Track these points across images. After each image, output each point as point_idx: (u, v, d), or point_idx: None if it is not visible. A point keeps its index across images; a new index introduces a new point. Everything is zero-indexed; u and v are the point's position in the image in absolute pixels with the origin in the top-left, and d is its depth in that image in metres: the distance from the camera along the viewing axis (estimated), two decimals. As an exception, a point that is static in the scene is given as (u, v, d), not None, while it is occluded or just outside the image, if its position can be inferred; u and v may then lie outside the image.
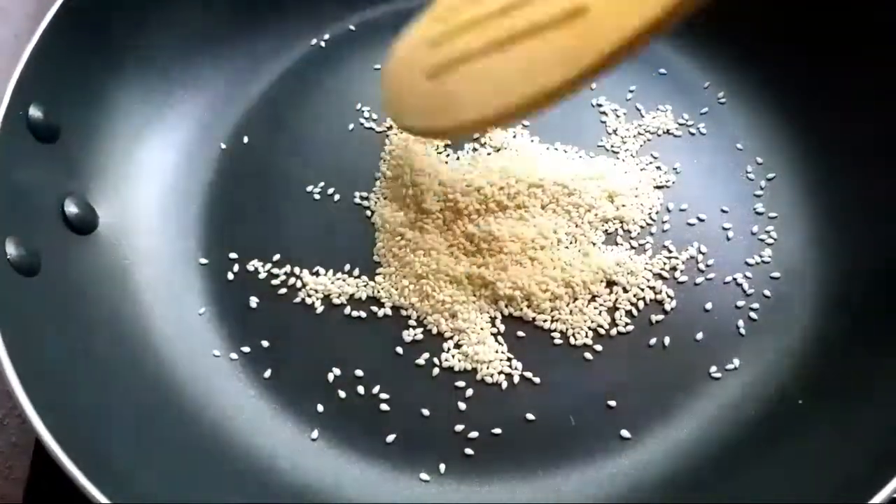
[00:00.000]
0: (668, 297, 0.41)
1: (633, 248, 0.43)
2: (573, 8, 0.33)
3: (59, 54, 0.41)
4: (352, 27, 0.53)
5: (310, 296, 0.42)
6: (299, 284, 0.43)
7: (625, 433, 0.38)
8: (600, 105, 0.49)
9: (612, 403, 0.38)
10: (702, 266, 0.43)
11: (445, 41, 0.39)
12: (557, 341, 0.40)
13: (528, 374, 0.39)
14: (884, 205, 0.41)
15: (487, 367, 0.39)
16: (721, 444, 0.37)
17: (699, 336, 0.40)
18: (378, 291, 0.42)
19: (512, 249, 0.42)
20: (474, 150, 0.47)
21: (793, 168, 0.45)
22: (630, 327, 0.41)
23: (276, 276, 0.43)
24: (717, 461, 0.36)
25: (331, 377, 0.40)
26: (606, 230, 0.44)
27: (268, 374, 0.40)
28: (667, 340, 0.40)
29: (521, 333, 0.41)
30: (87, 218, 0.41)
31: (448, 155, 0.47)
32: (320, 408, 0.39)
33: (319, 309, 0.42)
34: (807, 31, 0.46)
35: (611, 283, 0.42)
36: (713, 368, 0.39)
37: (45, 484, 0.39)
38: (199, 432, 0.37)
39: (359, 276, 0.43)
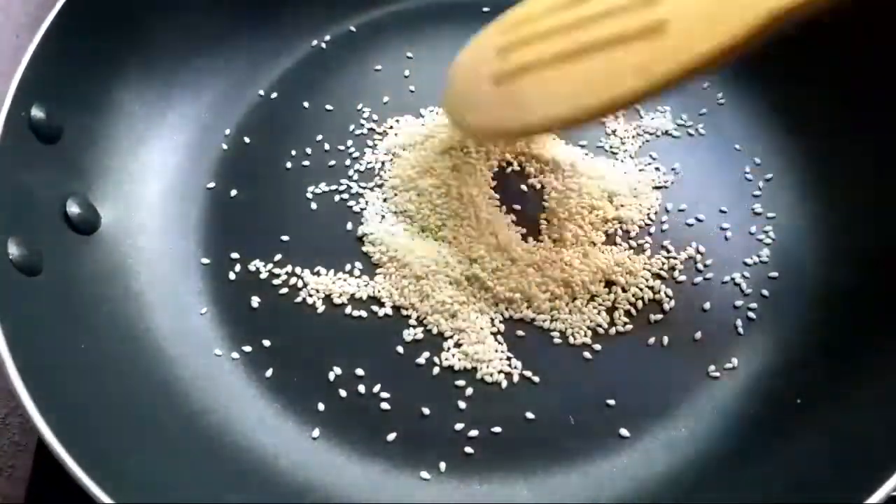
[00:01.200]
0: (667, 296, 0.42)
1: (631, 248, 0.43)
2: (653, 23, 0.34)
3: (61, 55, 0.41)
4: (352, 28, 0.53)
5: (311, 295, 0.42)
6: (300, 284, 0.43)
7: (624, 432, 0.38)
8: (600, 106, 0.49)
9: (612, 402, 0.39)
10: (700, 266, 0.43)
11: (515, 50, 0.39)
12: (557, 341, 0.40)
13: (528, 374, 0.40)
14: (881, 205, 0.42)
15: (487, 367, 0.40)
16: (720, 444, 0.37)
17: (698, 335, 0.40)
18: (378, 291, 0.42)
19: (511, 250, 0.42)
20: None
21: (790, 169, 0.45)
22: (629, 327, 0.41)
23: (278, 275, 0.43)
24: (717, 461, 0.37)
25: (331, 376, 0.40)
26: (606, 230, 0.44)
27: (269, 373, 0.40)
28: (665, 340, 0.40)
29: (520, 333, 0.41)
30: (88, 218, 0.41)
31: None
32: (321, 407, 0.39)
33: (320, 308, 0.42)
34: (805, 32, 0.47)
35: (610, 283, 0.42)
36: (712, 368, 0.39)
37: (48, 483, 0.39)
38: (200, 431, 0.37)
39: (359, 276, 0.43)
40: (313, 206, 0.46)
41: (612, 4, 0.37)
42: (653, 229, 0.44)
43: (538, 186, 0.46)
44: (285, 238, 0.44)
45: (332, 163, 0.47)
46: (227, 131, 0.49)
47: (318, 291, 0.42)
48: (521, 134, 0.44)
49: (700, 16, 0.33)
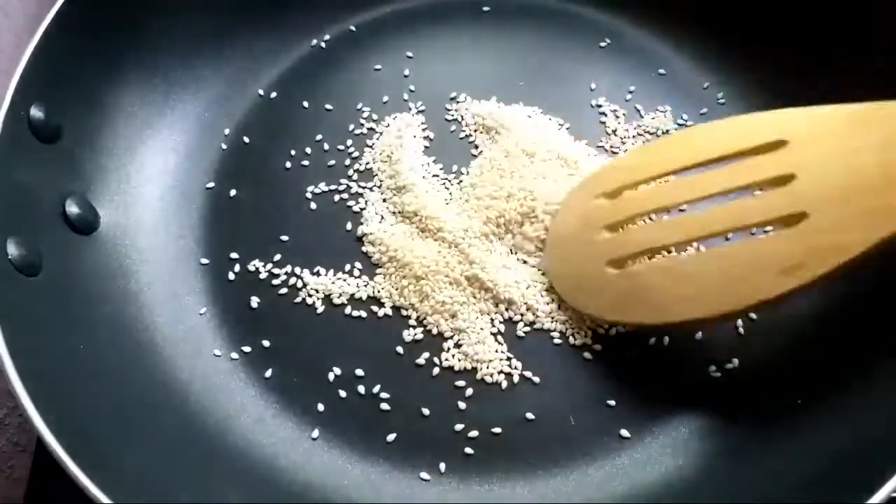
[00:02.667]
0: (668, 297, 0.41)
1: (632, 248, 0.43)
2: (791, 214, 0.32)
3: (61, 55, 0.41)
4: (352, 27, 0.53)
5: (310, 296, 0.42)
6: (300, 284, 0.43)
7: (624, 433, 0.38)
8: (600, 106, 0.49)
9: (612, 403, 0.39)
10: (701, 266, 0.43)
11: (626, 227, 0.37)
12: (557, 341, 0.40)
13: (528, 374, 0.39)
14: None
15: (487, 367, 0.40)
16: (721, 444, 0.37)
17: (698, 336, 0.40)
18: (378, 291, 0.42)
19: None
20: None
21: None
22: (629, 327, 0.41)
23: (277, 276, 0.43)
24: (717, 461, 0.36)
25: (331, 377, 0.40)
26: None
27: (268, 373, 0.40)
28: (666, 340, 0.40)
29: (520, 333, 0.41)
30: (88, 218, 0.41)
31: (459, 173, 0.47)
32: (321, 407, 0.39)
33: (320, 309, 0.42)
34: (806, 32, 0.47)
35: (610, 283, 0.42)
36: (712, 368, 0.39)
37: (47, 483, 0.39)
38: (199, 432, 0.37)
39: (359, 276, 0.43)
40: (313, 205, 0.46)
41: (733, 181, 0.34)
42: (653, 229, 0.44)
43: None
44: (285, 238, 0.44)
45: (332, 162, 0.47)
46: (227, 131, 0.49)
47: (317, 291, 0.42)
48: (656, 329, 0.39)
49: (845, 209, 0.31)
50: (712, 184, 0.36)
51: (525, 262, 0.43)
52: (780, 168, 0.34)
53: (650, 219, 0.39)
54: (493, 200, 0.43)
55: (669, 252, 0.38)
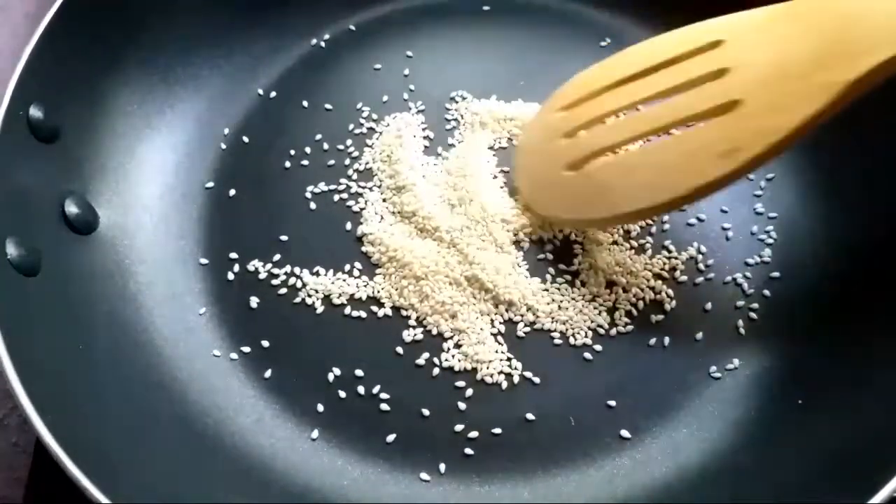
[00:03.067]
0: (668, 297, 0.41)
1: (632, 248, 0.43)
2: (725, 102, 0.34)
3: (60, 54, 0.41)
4: (352, 27, 0.53)
5: (310, 296, 0.42)
6: (299, 284, 0.43)
7: (625, 433, 0.38)
8: (600, 105, 0.49)
9: (612, 403, 0.39)
10: (701, 266, 0.43)
11: (581, 132, 0.40)
12: (557, 341, 0.40)
13: (528, 374, 0.39)
14: (883, 205, 0.41)
15: (487, 367, 0.39)
16: (722, 445, 0.37)
17: (699, 336, 0.40)
18: (378, 291, 0.42)
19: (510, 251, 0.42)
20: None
21: (792, 168, 0.45)
22: (630, 327, 0.41)
23: (277, 276, 0.43)
24: (718, 462, 0.36)
25: (331, 377, 0.40)
26: (609, 230, 0.44)
27: (268, 374, 0.40)
28: (666, 340, 0.40)
29: (520, 333, 0.41)
30: (87, 218, 0.41)
31: (440, 156, 0.47)
32: (320, 408, 0.39)
33: (320, 309, 0.42)
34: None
35: (611, 283, 0.42)
36: (713, 368, 0.39)
37: (46, 484, 0.39)
38: (199, 432, 0.37)
39: (359, 276, 0.43)
40: (312, 205, 0.46)
41: (673, 80, 0.37)
42: (654, 229, 0.44)
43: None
44: (284, 238, 0.44)
45: (332, 162, 0.47)
46: (226, 130, 0.49)
47: (317, 292, 0.42)
48: (608, 224, 0.42)
49: (775, 92, 0.33)
50: (655, 85, 0.39)
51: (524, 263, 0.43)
52: (715, 64, 0.36)
53: (602, 123, 0.41)
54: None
55: (617, 152, 0.40)
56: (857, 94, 0.32)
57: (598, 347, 0.40)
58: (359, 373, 0.40)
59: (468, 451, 0.38)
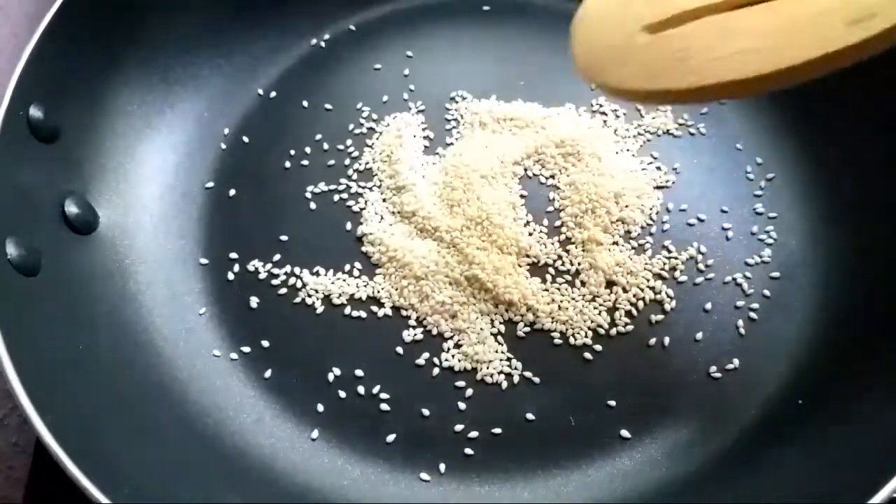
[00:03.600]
0: (668, 297, 0.41)
1: (633, 248, 0.43)
2: None
3: (60, 54, 0.41)
4: (352, 27, 0.53)
5: (310, 296, 0.42)
6: (299, 284, 0.43)
7: (625, 433, 0.38)
8: (601, 105, 0.49)
9: (613, 403, 0.39)
10: (701, 266, 0.43)
11: None
12: (557, 341, 0.40)
13: (528, 374, 0.39)
14: (883, 205, 0.41)
15: (487, 367, 0.39)
16: (721, 444, 0.37)
17: (699, 336, 0.40)
18: (378, 291, 0.42)
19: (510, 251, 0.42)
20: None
21: (792, 168, 0.45)
22: (630, 327, 0.41)
23: (277, 276, 0.43)
24: (718, 462, 0.36)
25: (331, 377, 0.40)
26: (610, 231, 0.44)
27: (268, 374, 0.40)
28: (666, 340, 0.40)
29: (520, 333, 0.41)
30: (87, 218, 0.41)
31: (438, 155, 0.47)
32: (320, 408, 0.39)
33: (320, 309, 0.42)
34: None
35: (611, 284, 0.42)
36: (713, 368, 0.39)
37: (46, 484, 0.39)
38: (199, 432, 0.37)
39: (359, 276, 0.43)
40: (312, 205, 0.46)
41: None
42: (654, 229, 0.44)
43: (544, 180, 0.46)
44: (284, 238, 0.44)
45: (332, 162, 0.47)
46: (226, 130, 0.48)
47: (317, 292, 0.42)
48: (690, 98, 0.34)
49: None
50: None
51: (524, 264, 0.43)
52: None
53: None
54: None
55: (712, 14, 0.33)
56: None
57: (598, 347, 0.40)
58: (359, 373, 0.40)
59: (468, 451, 0.38)
